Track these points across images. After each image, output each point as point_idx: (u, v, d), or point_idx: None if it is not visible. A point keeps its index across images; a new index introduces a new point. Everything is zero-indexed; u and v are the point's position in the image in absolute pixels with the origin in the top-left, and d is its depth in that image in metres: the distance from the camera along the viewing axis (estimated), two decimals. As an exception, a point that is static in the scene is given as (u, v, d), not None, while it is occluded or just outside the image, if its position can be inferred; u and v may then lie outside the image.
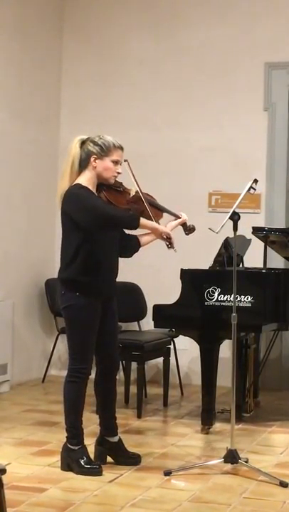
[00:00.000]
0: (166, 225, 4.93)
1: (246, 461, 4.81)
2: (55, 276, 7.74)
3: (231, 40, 7.61)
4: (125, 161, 4.80)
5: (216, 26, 7.65)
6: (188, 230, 4.99)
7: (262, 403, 6.76)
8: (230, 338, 4.92)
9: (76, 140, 4.79)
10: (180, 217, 4.97)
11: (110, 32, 7.96)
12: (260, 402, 6.75)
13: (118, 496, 4.36)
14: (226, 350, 6.53)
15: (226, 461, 4.79)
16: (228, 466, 4.82)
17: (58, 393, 6.87)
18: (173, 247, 4.81)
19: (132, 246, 4.94)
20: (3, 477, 3.17)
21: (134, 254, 5.02)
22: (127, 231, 4.92)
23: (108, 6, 7.98)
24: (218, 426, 5.86)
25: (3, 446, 5.28)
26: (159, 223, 4.87)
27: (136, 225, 4.73)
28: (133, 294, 7.33)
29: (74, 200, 4.66)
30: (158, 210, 4.92)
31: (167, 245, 4.83)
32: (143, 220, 4.74)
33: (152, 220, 4.83)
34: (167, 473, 4.73)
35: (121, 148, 4.77)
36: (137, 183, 4.78)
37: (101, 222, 4.68)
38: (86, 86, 8.04)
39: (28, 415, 6.18)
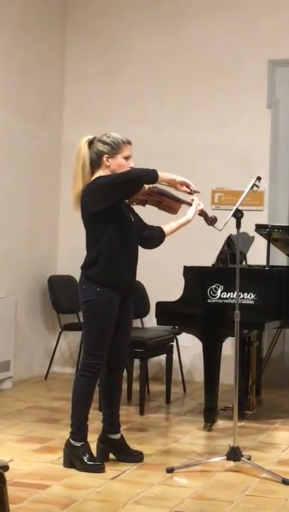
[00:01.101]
0: (187, 213, 4.97)
1: (249, 459, 4.81)
2: (58, 273, 7.84)
3: (234, 37, 7.60)
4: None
5: (219, 24, 7.65)
6: (210, 220, 5.00)
7: (264, 401, 6.76)
8: (233, 336, 4.92)
9: (83, 141, 4.79)
10: (192, 204, 4.98)
11: (113, 30, 7.96)
12: (262, 399, 6.76)
13: (121, 493, 4.36)
14: (228, 347, 6.53)
15: (228, 459, 4.79)
16: (231, 464, 4.82)
17: (61, 390, 6.94)
18: (214, 222, 4.91)
19: (154, 236, 4.92)
20: (6, 474, 3.17)
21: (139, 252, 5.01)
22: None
23: (111, 3, 7.98)
24: (220, 423, 5.86)
25: (6, 443, 5.29)
26: (176, 213, 4.98)
27: (155, 175, 4.70)
28: (136, 291, 7.33)
29: (95, 189, 4.67)
30: (175, 201, 4.95)
31: (206, 219, 4.91)
32: (161, 173, 4.75)
33: (170, 212, 4.95)
34: (170, 470, 4.73)
35: (129, 143, 4.80)
36: None
37: (125, 188, 4.68)
38: (89, 83, 8.04)
39: (30, 412, 6.19)
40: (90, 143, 4.78)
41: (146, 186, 4.85)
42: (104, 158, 4.73)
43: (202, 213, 5.00)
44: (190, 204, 4.99)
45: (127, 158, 4.78)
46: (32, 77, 7.60)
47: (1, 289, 7.15)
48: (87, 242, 4.81)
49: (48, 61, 7.89)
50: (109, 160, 4.74)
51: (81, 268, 4.83)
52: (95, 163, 4.75)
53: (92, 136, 4.82)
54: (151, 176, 4.71)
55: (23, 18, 7.42)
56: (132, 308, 4.95)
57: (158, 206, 4.95)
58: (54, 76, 7.98)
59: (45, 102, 7.85)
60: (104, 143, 4.74)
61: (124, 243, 4.76)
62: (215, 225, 4.97)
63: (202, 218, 5.03)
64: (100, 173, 4.75)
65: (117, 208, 4.74)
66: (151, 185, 4.84)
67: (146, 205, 4.99)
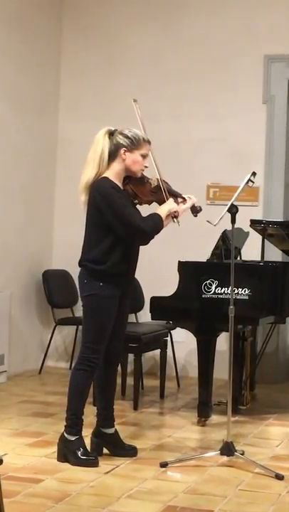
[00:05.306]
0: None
1: (242, 454, 4.82)
2: (53, 267, 7.84)
3: (231, 32, 7.60)
4: (134, 100, 4.86)
5: (216, 18, 7.64)
6: (196, 212, 5.00)
7: (258, 396, 6.77)
8: (228, 331, 4.93)
9: (104, 131, 4.76)
10: (188, 200, 4.98)
11: (110, 23, 7.95)
12: (256, 394, 6.77)
13: (114, 487, 4.37)
14: (222, 342, 6.54)
15: (222, 454, 4.80)
16: (224, 459, 4.83)
17: (55, 384, 6.94)
18: (178, 222, 4.83)
19: None
20: (0, 467, 3.17)
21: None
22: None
23: (107, -3, 7.98)
24: (214, 418, 5.86)
25: (0, 437, 5.29)
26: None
27: (162, 227, 4.79)
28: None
29: (107, 202, 4.65)
30: (175, 198, 4.94)
31: (172, 218, 4.84)
32: (161, 214, 4.79)
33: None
34: (163, 464, 4.73)
35: (149, 142, 4.79)
36: (143, 126, 4.83)
37: (135, 237, 4.73)
38: (85, 77, 8.03)
39: (24, 406, 6.19)
40: (111, 134, 4.76)
41: (153, 184, 4.83)
42: (122, 151, 4.71)
43: (192, 209, 4.99)
44: (184, 199, 4.97)
45: (144, 156, 4.76)
46: (28, 71, 7.59)
47: (-5, 283, 7.16)
48: (91, 236, 4.76)
49: (44, 55, 7.87)
50: (126, 153, 4.71)
51: (83, 262, 4.78)
52: (112, 154, 4.72)
53: (112, 128, 4.80)
54: (160, 227, 4.77)
55: (19, 12, 7.40)
56: (128, 302, 4.95)
57: (162, 203, 4.88)
58: (50, 70, 7.97)
59: (41, 96, 7.83)
60: (125, 136, 4.73)
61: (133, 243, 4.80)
62: (207, 219, 4.95)
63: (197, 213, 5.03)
64: (115, 166, 4.71)
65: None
66: (157, 181, 4.82)
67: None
